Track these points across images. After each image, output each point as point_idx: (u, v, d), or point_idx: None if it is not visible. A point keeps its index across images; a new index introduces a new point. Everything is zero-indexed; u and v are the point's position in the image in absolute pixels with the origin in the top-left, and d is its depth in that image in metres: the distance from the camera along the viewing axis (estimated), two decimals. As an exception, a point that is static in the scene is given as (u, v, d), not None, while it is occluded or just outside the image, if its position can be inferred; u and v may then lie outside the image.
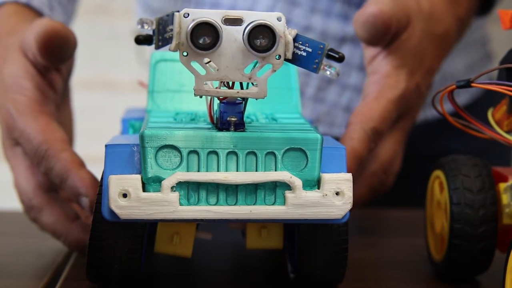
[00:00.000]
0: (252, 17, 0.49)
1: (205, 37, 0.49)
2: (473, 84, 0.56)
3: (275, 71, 0.50)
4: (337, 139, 0.92)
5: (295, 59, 0.50)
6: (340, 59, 0.50)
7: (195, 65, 0.50)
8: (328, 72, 0.51)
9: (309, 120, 0.61)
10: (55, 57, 0.65)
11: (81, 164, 0.62)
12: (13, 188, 0.67)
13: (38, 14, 0.73)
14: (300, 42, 0.50)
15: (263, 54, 0.49)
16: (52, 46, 0.64)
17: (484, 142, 0.64)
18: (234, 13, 0.49)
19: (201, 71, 0.50)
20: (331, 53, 0.50)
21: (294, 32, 0.50)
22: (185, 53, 0.49)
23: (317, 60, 0.50)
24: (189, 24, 0.49)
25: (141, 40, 0.49)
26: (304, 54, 0.50)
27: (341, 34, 0.90)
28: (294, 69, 0.62)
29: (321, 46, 0.50)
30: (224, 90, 0.50)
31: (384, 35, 0.67)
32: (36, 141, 0.62)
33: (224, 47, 0.49)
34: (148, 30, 0.50)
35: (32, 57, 0.66)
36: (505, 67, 0.57)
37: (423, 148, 0.92)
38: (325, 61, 0.51)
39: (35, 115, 0.64)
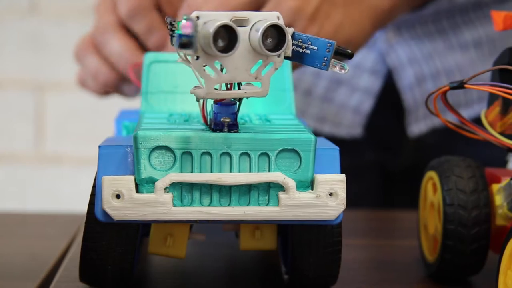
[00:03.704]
0: (256, 18, 0.49)
1: (223, 40, 0.49)
2: (466, 86, 0.56)
3: (277, 69, 0.50)
4: (343, 139, 0.92)
5: (295, 57, 0.51)
6: (351, 55, 0.51)
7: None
8: (337, 68, 0.51)
9: (303, 121, 0.61)
10: None
11: None
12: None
13: None
14: (300, 40, 0.51)
15: (274, 53, 0.49)
16: None
17: (492, 150, 0.64)
18: (241, 14, 0.49)
19: (210, 73, 0.50)
20: (341, 50, 0.51)
21: (291, 30, 0.50)
22: (196, 57, 0.49)
23: (326, 58, 0.51)
24: (209, 27, 0.48)
25: (185, 44, 0.48)
26: (308, 51, 0.51)
27: None
28: (288, 70, 0.63)
29: (330, 45, 0.51)
30: (235, 91, 0.50)
31: None
32: None
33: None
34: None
35: None
36: (498, 68, 0.58)
37: (430, 155, 0.93)
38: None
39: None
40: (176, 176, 0.50)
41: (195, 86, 0.50)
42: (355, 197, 0.92)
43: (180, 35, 0.47)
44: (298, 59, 0.51)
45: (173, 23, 0.49)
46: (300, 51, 0.51)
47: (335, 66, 0.51)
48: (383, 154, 0.97)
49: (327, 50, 0.51)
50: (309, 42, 0.51)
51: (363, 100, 0.93)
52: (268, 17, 0.49)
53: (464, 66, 0.95)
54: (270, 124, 0.56)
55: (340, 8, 0.74)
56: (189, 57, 0.49)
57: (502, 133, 0.59)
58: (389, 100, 0.94)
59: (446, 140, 0.94)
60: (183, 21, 0.47)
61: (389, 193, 1.00)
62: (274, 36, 0.49)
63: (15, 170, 1.64)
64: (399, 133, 0.95)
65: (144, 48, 0.77)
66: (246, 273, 0.62)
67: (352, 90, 0.92)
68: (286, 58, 0.51)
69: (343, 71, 0.51)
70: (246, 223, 0.53)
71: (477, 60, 0.95)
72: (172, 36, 0.50)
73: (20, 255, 0.67)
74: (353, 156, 0.95)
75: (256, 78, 0.50)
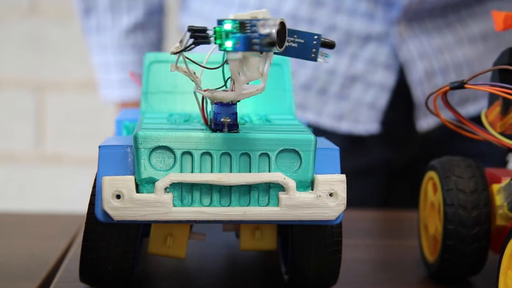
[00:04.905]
0: (260, 15, 0.49)
1: None
2: (466, 86, 0.56)
3: (270, 63, 0.50)
4: (362, 136, 0.92)
5: (284, 50, 0.51)
6: (333, 45, 0.52)
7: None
8: (322, 59, 0.52)
9: (303, 121, 0.61)
10: None
11: None
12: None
13: None
14: None
15: (281, 49, 0.50)
16: None
17: (497, 146, 0.64)
18: (255, 13, 0.50)
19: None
20: (326, 41, 0.52)
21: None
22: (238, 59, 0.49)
23: (314, 50, 0.52)
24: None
25: (273, 42, 0.47)
26: (295, 45, 0.51)
27: (366, 33, 0.91)
28: (287, 70, 0.62)
29: (316, 37, 0.51)
30: (251, 90, 0.50)
31: None
32: None
33: None
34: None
35: None
36: (498, 68, 0.58)
37: (438, 151, 0.93)
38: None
39: None
40: (176, 176, 0.50)
41: (209, 90, 0.50)
42: (363, 195, 0.92)
43: (264, 35, 0.47)
44: (285, 52, 0.51)
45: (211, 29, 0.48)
46: (287, 44, 0.51)
47: (320, 57, 0.52)
48: (396, 150, 0.97)
49: (315, 42, 0.52)
50: (295, 36, 0.51)
51: (379, 95, 0.93)
52: (267, 14, 0.49)
53: (472, 60, 0.95)
54: (270, 124, 0.56)
55: None
56: (181, 64, 0.49)
57: (502, 133, 0.59)
58: (401, 95, 0.94)
59: (453, 136, 0.94)
60: (261, 21, 0.47)
61: (393, 189, 1.00)
62: (283, 33, 0.49)
63: (15, 170, 1.64)
64: (410, 129, 0.96)
65: None
66: (246, 273, 0.62)
67: (368, 86, 0.92)
68: (274, 53, 0.51)
69: (327, 60, 0.52)
70: (246, 223, 0.53)
71: (484, 54, 0.96)
72: (205, 43, 0.49)
73: (20, 255, 0.67)
74: (363, 154, 0.95)
75: (262, 75, 0.50)
